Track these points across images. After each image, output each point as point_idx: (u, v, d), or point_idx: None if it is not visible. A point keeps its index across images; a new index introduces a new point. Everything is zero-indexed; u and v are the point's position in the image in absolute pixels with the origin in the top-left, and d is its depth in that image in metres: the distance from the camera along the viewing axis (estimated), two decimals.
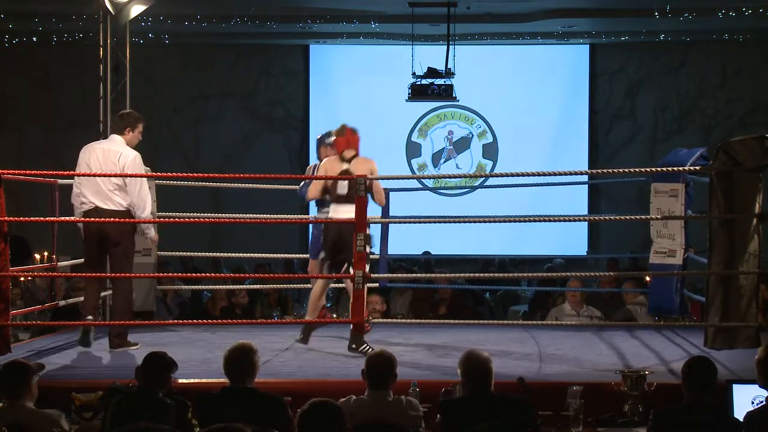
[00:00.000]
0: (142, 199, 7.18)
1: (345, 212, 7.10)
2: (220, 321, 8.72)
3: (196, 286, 10.60)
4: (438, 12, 12.74)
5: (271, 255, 10.56)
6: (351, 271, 6.96)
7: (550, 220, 7.65)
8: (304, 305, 9.94)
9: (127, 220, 7.17)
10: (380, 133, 15.14)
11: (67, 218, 7.51)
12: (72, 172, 7.32)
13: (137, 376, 4.99)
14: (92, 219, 7.12)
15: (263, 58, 15.69)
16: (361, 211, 6.87)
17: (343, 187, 7.18)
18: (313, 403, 3.90)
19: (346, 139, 7.48)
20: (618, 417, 5.52)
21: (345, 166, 7.27)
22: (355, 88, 15.35)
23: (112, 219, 7.10)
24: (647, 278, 8.86)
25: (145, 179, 7.25)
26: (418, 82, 12.86)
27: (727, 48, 14.98)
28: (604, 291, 9.99)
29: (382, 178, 7.61)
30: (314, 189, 7.41)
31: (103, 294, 8.85)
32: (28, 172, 8.16)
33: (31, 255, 10.27)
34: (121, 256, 7.27)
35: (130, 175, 7.14)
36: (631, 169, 7.62)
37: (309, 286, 9.61)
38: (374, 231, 7.29)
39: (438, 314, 9.65)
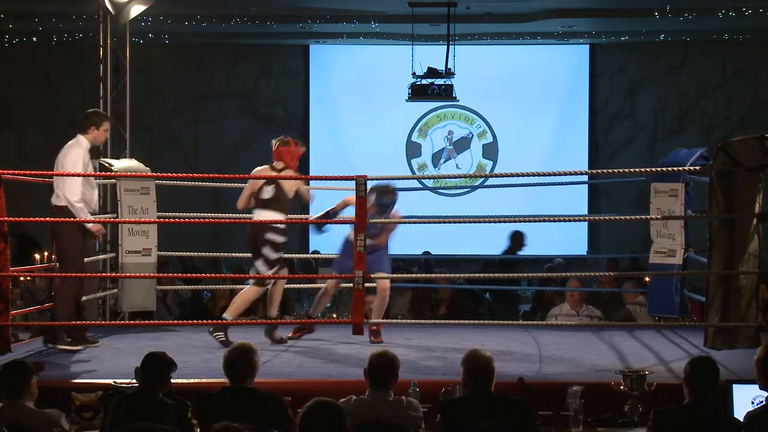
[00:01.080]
0: (69, 191, 7.22)
1: (265, 216, 7.59)
2: (220, 321, 8.72)
3: (196, 286, 10.60)
4: (438, 12, 12.74)
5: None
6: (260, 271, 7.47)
7: (550, 220, 7.66)
8: (304, 305, 9.96)
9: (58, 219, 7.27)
10: (380, 133, 15.17)
11: (67, 218, 7.51)
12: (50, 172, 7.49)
13: (137, 376, 4.99)
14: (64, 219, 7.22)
15: (263, 58, 15.68)
16: (361, 211, 6.87)
17: (267, 192, 7.67)
18: (313, 403, 3.90)
19: (281, 152, 7.75)
20: (618, 417, 5.52)
21: (273, 174, 7.58)
22: (355, 87, 15.34)
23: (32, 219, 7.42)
24: (647, 278, 8.86)
25: (75, 170, 7.27)
26: (418, 82, 12.86)
27: (727, 48, 14.97)
28: (604, 291, 9.99)
29: (382, 178, 7.61)
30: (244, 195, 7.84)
31: (102, 294, 8.88)
32: (28, 172, 8.16)
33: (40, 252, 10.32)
34: (59, 254, 7.38)
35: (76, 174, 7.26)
36: (631, 169, 7.62)
37: (309, 286, 9.63)
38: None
39: (438, 314, 9.65)
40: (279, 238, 7.63)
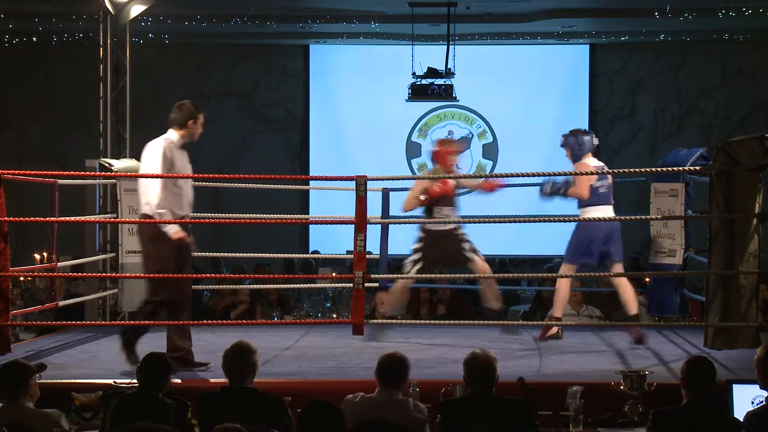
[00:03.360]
0: (149, 198, 6.49)
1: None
2: (220, 321, 8.72)
3: (196, 286, 10.58)
4: (438, 12, 12.74)
5: (271, 255, 10.55)
6: None
7: (550, 220, 7.64)
8: (305, 305, 9.95)
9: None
10: (380, 133, 15.17)
11: (67, 218, 7.52)
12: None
13: (137, 376, 4.99)
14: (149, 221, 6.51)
15: (263, 58, 15.68)
16: (361, 211, 6.87)
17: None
18: (312, 403, 3.90)
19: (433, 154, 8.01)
20: (618, 417, 5.52)
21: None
22: (355, 88, 15.34)
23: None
24: (647, 278, 8.86)
25: (155, 171, 6.55)
26: (418, 82, 12.86)
27: (727, 48, 14.98)
28: (604, 291, 9.97)
29: (383, 179, 7.61)
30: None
31: (103, 294, 8.88)
32: (28, 172, 8.17)
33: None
34: (144, 261, 6.70)
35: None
36: (631, 169, 7.62)
37: (309, 286, 9.62)
38: None
39: (438, 314, 9.64)
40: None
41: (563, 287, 7.72)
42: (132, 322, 8.17)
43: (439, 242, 7.76)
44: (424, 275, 7.88)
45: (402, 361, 4.85)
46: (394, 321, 7.85)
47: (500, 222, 11.18)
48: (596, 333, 8.18)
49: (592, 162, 7.70)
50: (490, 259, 13.37)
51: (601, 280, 10.23)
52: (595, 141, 7.83)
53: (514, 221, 11.98)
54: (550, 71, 15.31)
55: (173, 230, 6.43)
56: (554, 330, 7.73)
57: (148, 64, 13.16)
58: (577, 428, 5.34)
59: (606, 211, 7.59)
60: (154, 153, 6.60)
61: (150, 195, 6.48)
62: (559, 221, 7.87)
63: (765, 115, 15.00)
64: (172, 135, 6.72)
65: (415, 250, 7.81)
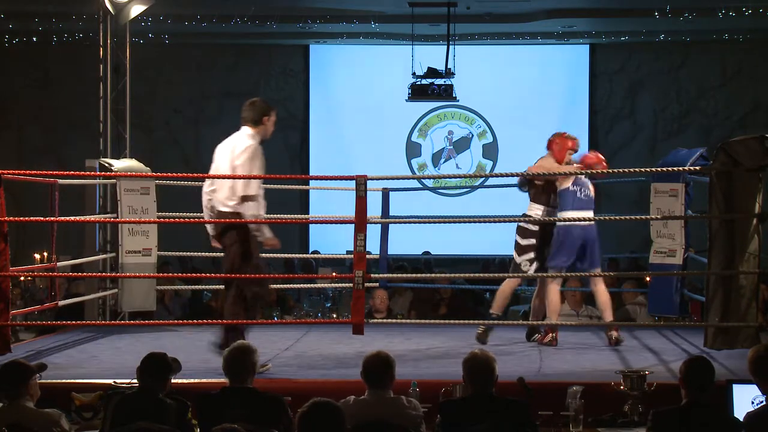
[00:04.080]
0: (246, 197, 6.51)
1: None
2: (219, 321, 8.71)
3: (196, 286, 10.60)
4: (438, 12, 12.74)
5: (271, 255, 10.54)
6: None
7: (550, 220, 7.65)
8: (305, 306, 9.95)
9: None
10: (380, 133, 15.17)
11: (67, 218, 7.52)
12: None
13: (137, 376, 4.99)
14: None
15: (263, 58, 15.69)
16: (361, 211, 6.87)
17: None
18: (312, 403, 3.90)
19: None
20: (618, 417, 5.52)
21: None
22: (355, 88, 15.35)
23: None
24: (647, 278, 8.86)
25: (251, 168, 6.53)
26: (418, 82, 12.86)
27: (727, 48, 14.98)
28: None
29: (383, 178, 7.61)
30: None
31: (103, 294, 8.88)
32: (28, 172, 8.17)
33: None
34: (226, 259, 6.65)
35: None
36: (631, 169, 7.61)
37: (309, 286, 9.62)
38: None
39: (438, 314, 9.65)
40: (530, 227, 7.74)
41: (552, 295, 7.63)
42: (132, 322, 8.18)
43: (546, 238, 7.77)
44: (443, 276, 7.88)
45: (386, 360, 4.83)
46: (394, 321, 7.85)
47: (500, 222, 11.16)
48: (596, 333, 8.18)
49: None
50: (490, 259, 13.45)
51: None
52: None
53: (514, 221, 11.97)
54: (550, 71, 15.31)
55: (269, 234, 6.61)
56: (548, 338, 7.66)
57: (148, 64, 13.19)
58: (577, 428, 5.34)
59: (583, 216, 7.57)
60: (248, 149, 6.55)
61: (248, 193, 6.51)
62: (559, 221, 7.86)
63: (765, 115, 15.00)
64: (249, 132, 6.68)
65: (527, 248, 7.76)
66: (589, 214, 7.66)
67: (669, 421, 4.59)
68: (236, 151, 6.58)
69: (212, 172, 6.78)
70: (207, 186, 6.77)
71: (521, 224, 7.79)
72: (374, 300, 8.92)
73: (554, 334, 7.62)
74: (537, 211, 7.80)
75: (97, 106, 9.61)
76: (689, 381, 4.69)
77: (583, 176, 7.60)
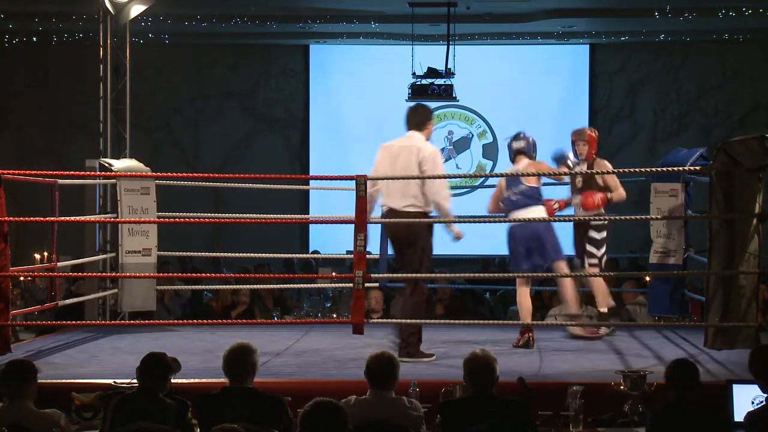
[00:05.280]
0: (443, 198, 6.99)
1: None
2: (220, 321, 8.72)
3: (196, 286, 10.60)
4: (438, 12, 12.74)
5: (271, 255, 10.55)
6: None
7: (550, 221, 7.64)
8: (305, 306, 9.95)
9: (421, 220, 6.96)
10: (380, 133, 15.12)
11: (67, 218, 7.52)
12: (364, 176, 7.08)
13: (137, 376, 4.99)
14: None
15: (263, 58, 15.69)
16: (361, 211, 6.88)
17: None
18: (315, 402, 3.90)
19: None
20: (618, 417, 5.52)
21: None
22: (355, 88, 15.34)
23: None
24: (647, 278, 8.86)
25: (443, 172, 7.10)
26: (418, 82, 12.86)
27: (727, 48, 14.97)
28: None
29: (383, 179, 7.60)
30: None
31: (103, 294, 8.88)
32: (28, 172, 8.16)
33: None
34: (413, 257, 7.02)
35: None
36: (631, 169, 7.62)
37: (309, 286, 9.61)
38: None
39: (437, 314, 9.64)
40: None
41: (522, 298, 7.67)
42: (132, 322, 8.18)
43: None
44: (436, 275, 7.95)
45: (390, 360, 4.83)
46: (394, 321, 7.84)
47: (500, 222, 11.16)
48: None
49: (521, 164, 7.76)
50: (490, 259, 13.44)
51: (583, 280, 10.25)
52: (516, 145, 7.92)
53: (514, 221, 11.97)
54: (550, 71, 15.30)
55: (458, 229, 7.16)
56: (524, 339, 7.55)
57: (148, 64, 13.19)
58: (577, 428, 5.34)
59: (521, 216, 7.59)
60: (435, 153, 7.11)
61: (444, 194, 7.02)
62: (559, 221, 7.86)
63: (765, 115, 15.00)
64: (421, 136, 7.16)
65: (602, 242, 7.96)
66: (526, 212, 7.60)
67: (668, 420, 4.59)
68: (423, 154, 7.04)
69: (389, 173, 7.11)
70: (372, 186, 7.09)
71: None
72: (369, 301, 8.92)
73: (531, 335, 7.57)
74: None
75: (97, 106, 9.61)
76: (676, 381, 4.72)
77: (516, 175, 7.57)
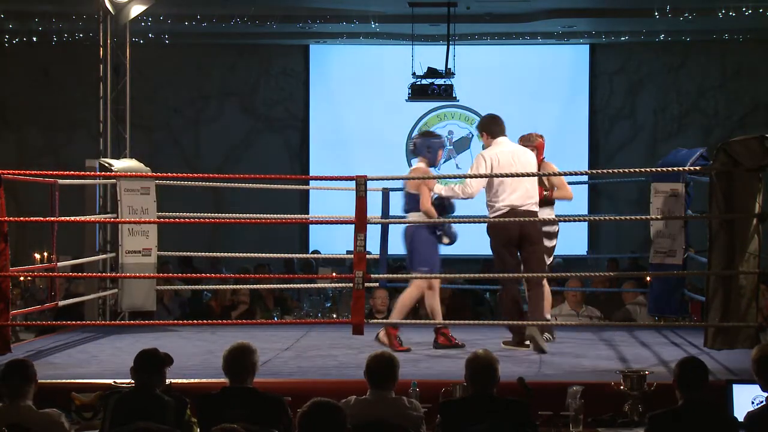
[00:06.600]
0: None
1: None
2: (220, 321, 8.72)
3: (196, 287, 10.60)
4: (438, 12, 12.74)
5: (271, 255, 10.55)
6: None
7: (550, 221, 7.64)
8: (305, 306, 9.95)
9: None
10: (380, 133, 15.17)
11: (67, 218, 7.52)
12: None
13: (132, 375, 4.98)
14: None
15: (263, 58, 15.69)
16: (361, 211, 6.88)
17: None
18: (313, 402, 3.89)
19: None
20: (618, 417, 5.52)
21: None
22: (355, 87, 15.35)
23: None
24: (647, 278, 8.86)
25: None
26: (418, 82, 12.86)
27: (727, 48, 14.98)
28: (604, 291, 9.97)
29: (383, 179, 7.62)
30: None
31: (103, 294, 8.89)
32: (28, 172, 8.16)
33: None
34: (540, 255, 7.46)
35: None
36: (631, 169, 7.62)
37: (309, 286, 9.62)
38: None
39: None
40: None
41: (428, 299, 7.77)
42: (132, 322, 8.18)
43: None
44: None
45: (390, 360, 4.83)
46: (393, 321, 7.84)
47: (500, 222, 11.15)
48: (596, 333, 8.19)
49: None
50: (490, 259, 13.42)
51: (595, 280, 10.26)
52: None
53: (514, 221, 11.95)
54: (550, 71, 15.30)
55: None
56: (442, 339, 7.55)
57: (148, 64, 13.18)
58: (577, 428, 5.34)
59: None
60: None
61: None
62: (559, 221, 7.86)
63: (765, 115, 15.00)
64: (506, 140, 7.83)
65: (551, 250, 8.00)
66: (410, 215, 7.69)
67: (666, 422, 4.59)
68: (534, 160, 7.84)
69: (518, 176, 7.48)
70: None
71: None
72: (375, 300, 8.91)
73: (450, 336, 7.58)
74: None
75: (97, 106, 9.61)
76: (684, 382, 4.69)
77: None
